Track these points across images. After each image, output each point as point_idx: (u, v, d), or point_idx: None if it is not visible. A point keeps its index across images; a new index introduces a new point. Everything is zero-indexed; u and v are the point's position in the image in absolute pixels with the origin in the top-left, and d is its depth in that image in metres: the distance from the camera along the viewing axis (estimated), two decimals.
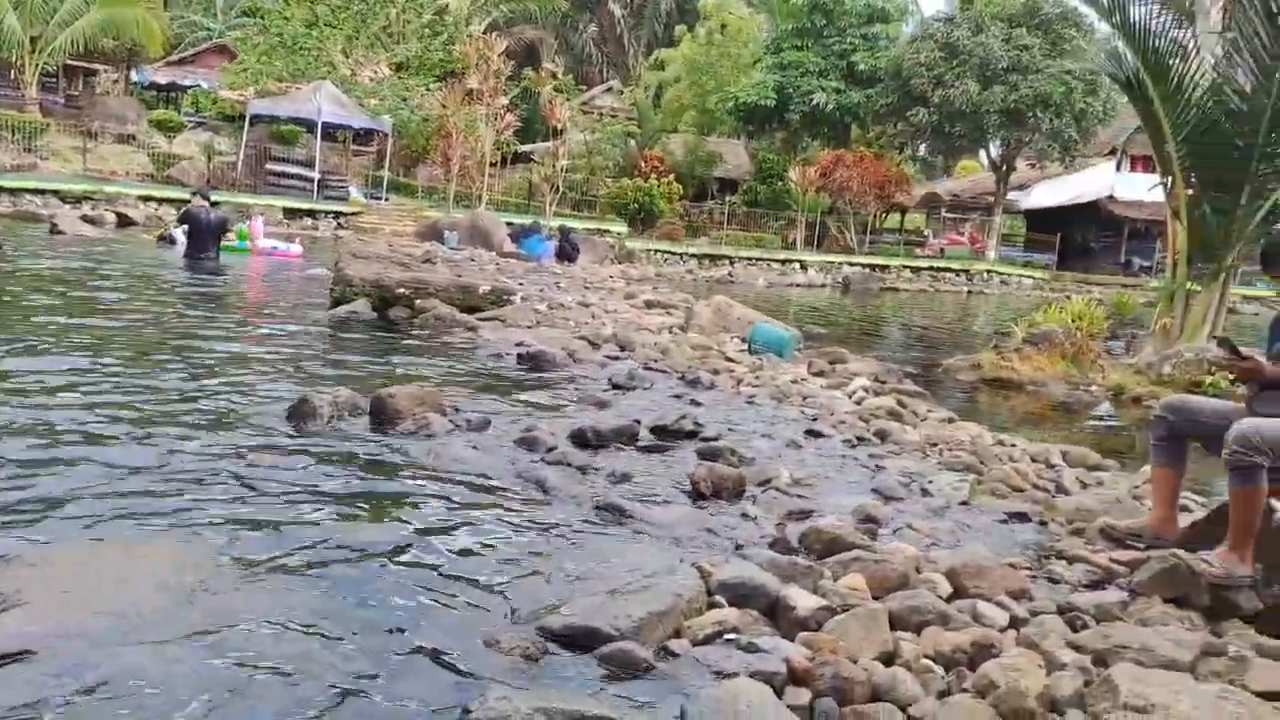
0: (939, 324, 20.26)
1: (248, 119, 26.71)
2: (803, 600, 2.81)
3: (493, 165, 29.50)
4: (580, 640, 2.50)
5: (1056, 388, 10.73)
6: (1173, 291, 12.50)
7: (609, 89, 43.30)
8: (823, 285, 28.20)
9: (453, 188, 26.82)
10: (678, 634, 2.65)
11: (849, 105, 34.43)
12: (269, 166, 26.20)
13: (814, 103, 34.20)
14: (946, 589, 3.21)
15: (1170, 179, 12.35)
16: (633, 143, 36.95)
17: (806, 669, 2.43)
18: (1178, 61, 11.59)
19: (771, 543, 3.50)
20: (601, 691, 2.30)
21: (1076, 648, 2.88)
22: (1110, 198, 36.56)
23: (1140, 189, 29.52)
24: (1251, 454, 3.54)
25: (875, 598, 3.02)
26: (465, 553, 3.06)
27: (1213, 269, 12.11)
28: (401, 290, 8.54)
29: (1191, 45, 11.90)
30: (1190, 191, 12.11)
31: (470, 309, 8.69)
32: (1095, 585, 3.61)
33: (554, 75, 27.96)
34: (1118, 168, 36.85)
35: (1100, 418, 9.36)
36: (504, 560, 3.03)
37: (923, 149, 37.18)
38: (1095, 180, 37.12)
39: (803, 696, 2.36)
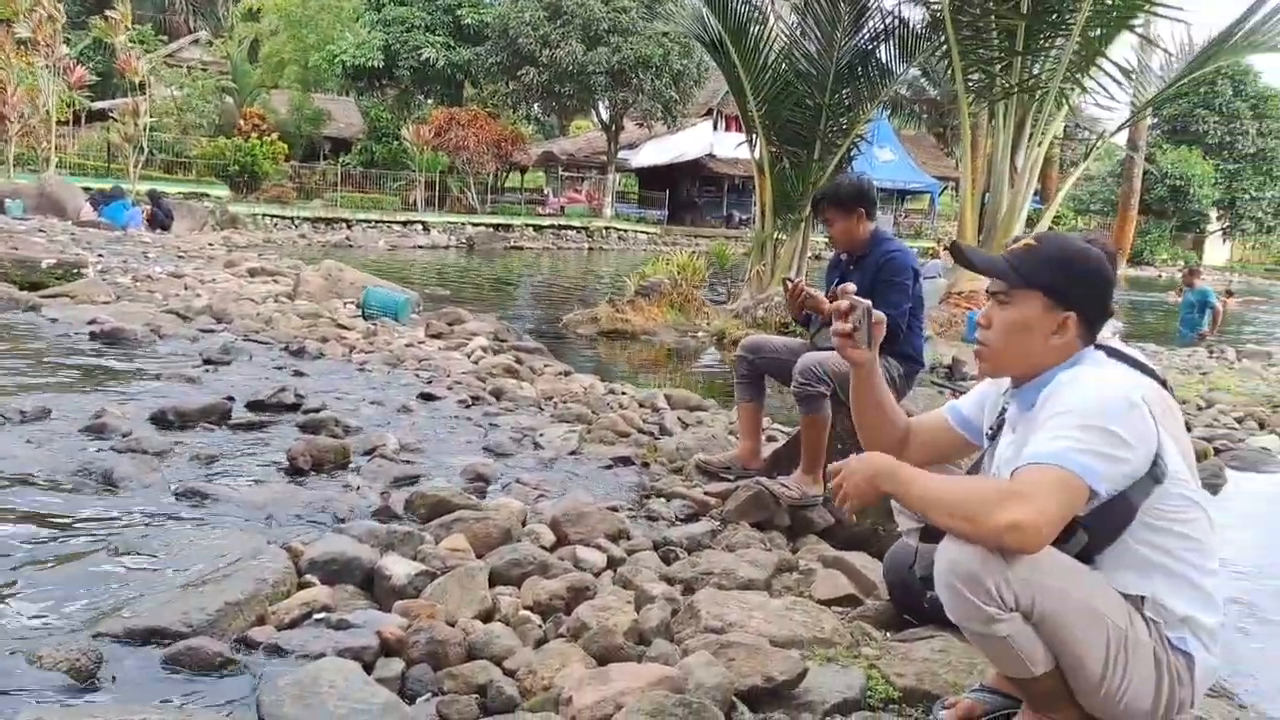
0: (563, 280, 20.81)
1: None
2: (399, 568, 2.72)
3: (63, 124, 26.20)
4: (146, 643, 2.25)
5: (667, 335, 11.38)
6: (763, 241, 13.63)
7: (196, 40, 39.84)
8: (447, 246, 27.94)
9: (11, 149, 23.43)
10: (261, 621, 2.46)
11: (459, 63, 34.21)
12: None
13: (424, 58, 33.60)
14: (550, 538, 3.25)
15: (754, 136, 13.40)
16: (230, 99, 34.36)
17: (399, 638, 2.35)
18: (755, 26, 12.53)
19: (375, 512, 3.37)
20: (167, 698, 2.08)
21: (669, 580, 3.02)
22: (710, 155, 39.34)
23: (735, 147, 31.89)
24: (815, 384, 3.89)
25: (479, 556, 3.00)
26: (7, 563, 2.65)
27: (794, 219, 13.33)
28: None
29: (768, 9, 12.92)
30: (772, 148, 13.23)
31: (33, 286, 7.64)
32: (690, 518, 3.83)
33: (126, 23, 25.04)
34: (715, 127, 39.68)
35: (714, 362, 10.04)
36: (58, 565, 2.66)
37: (536, 108, 37.78)
38: (696, 139, 39.74)
39: (395, 667, 2.28)
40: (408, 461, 4.07)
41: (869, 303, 2.27)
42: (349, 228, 27.83)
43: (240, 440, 4.17)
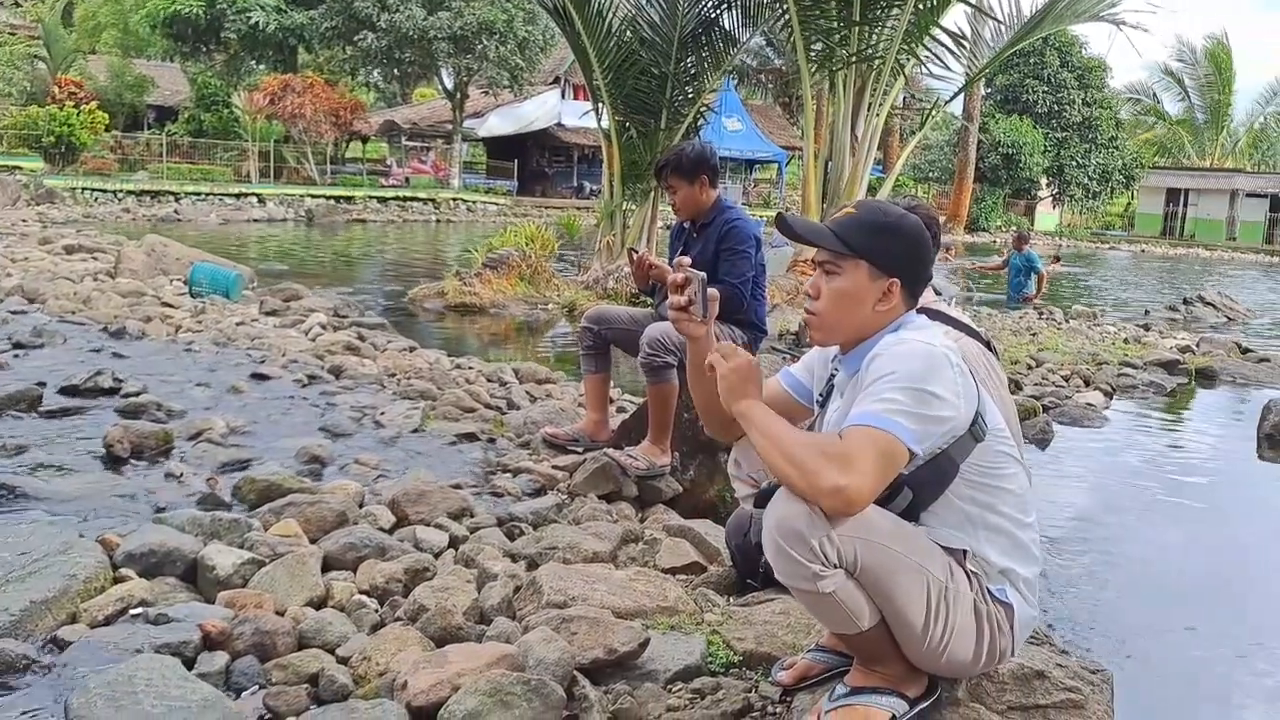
0: (410, 254, 20.32)
1: None
2: (224, 558, 2.59)
3: None
4: None
5: (517, 308, 11.24)
6: (612, 211, 13.61)
7: (2, 3, 37.01)
8: (284, 220, 26.81)
9: None
10: (73, 620, 2.30)
11: (292, 27, 32.78)
12: None
13: (252, 22, 32.10)
14: (389, 519, 3.16)
15: (601, 105, 13.33)
16: (42, 66, 32.05)
17: (223, 630, 2.23)
18: None
19: (200, 500, 3.20)
20: None
21: (513, 556, 2.98)
22: (559, 124, 39.04)
23: (581, 116, 31.74)
24: (662, 354, 3.89)
25: (312, 541, 2.88)
26: None
27: (642, 189, 13.35)
28: None
29: None
30: (618, 117, 13.19)
31: None
32: (537, 493, 3.79)
33: None
34: (563, 96, 39.37)
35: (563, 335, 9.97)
36: None
37: (376, 75, 36.56)
38: (544, 108, 39.35)
39: (219, 661, 2.16)
40: (237, 445, 3.88)
41: (704, 275, 2.26)
42: (177, 201, 26.35)
43: (52, 428, 3.90)
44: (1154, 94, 50.46)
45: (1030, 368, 8.40)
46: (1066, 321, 11.90)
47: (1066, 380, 8.06)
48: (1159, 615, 3.78)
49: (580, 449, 4.26)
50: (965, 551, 2.01)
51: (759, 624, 2.53)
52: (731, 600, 2.81)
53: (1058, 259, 21.98)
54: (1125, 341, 10.32)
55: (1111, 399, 7.78)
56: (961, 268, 18.88)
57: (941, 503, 2.01)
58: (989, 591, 2.00)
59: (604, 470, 3.89)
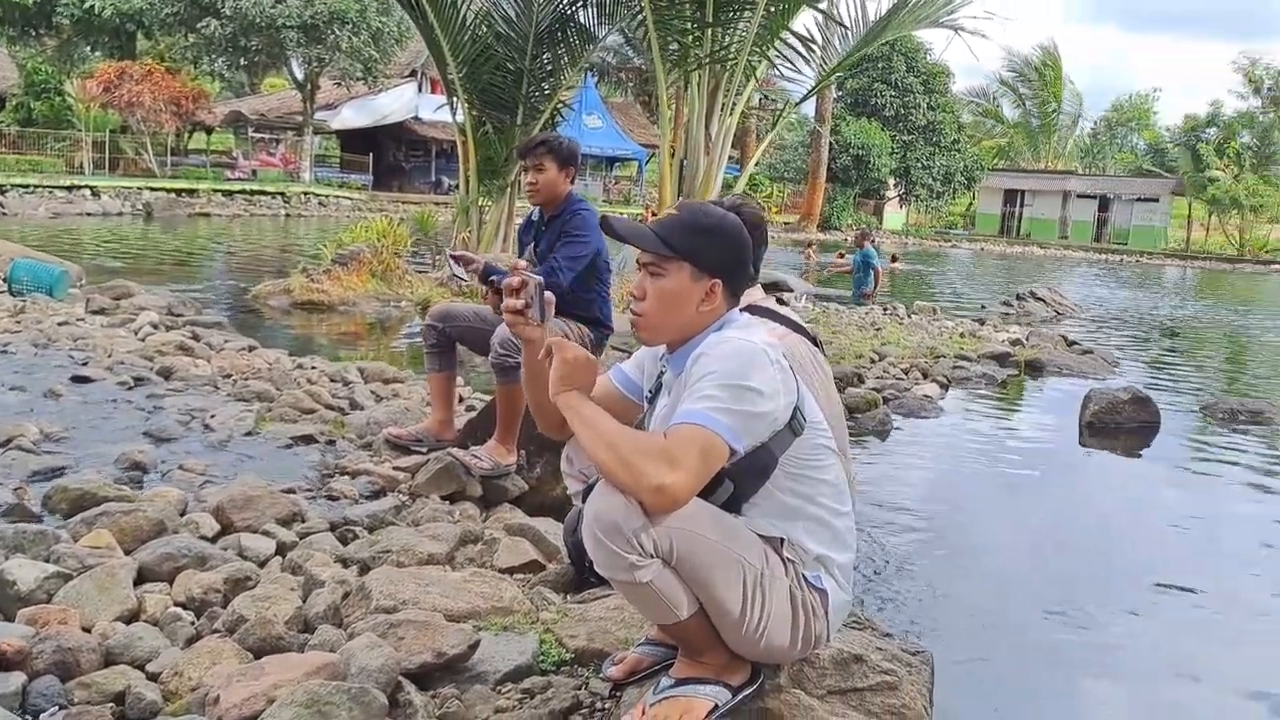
0: (256, 250, 19.60)
1: None
2: (26, 572, 2.43)
3: None
4: None
5: (368, 306, 10.97)
6: (468, 207, 13.45)
7: None
8: (121, 213, 25.44)
9: None
10: None
11: (130, 12, 31.15)
12: None
13: (87, 6, 30.38)
14: (213, 527, 3.03)
15: (456, 100, 13.15)
16: None
17: (20, 649, 2.10)
18: None
19: (5, 511, 3.00)
20: None
21: (345, 561, 2.90)
22: (416, 118, 38.29)
23: (435, 110, 31.19)
24: (514, 354, 3.84)
25: (127, 552, 2.74)
26: None
27: (499, 185, 13.25)
28: None
29: None
30: (474, 112, 13.05)
31: None
32: (375, 495, 3.70)
33: None
34: (420, 89, 38.65)
35: (414, 334, 9.77)
36: None
37: (221, 63, 35.00)
38: (401, 100, 38.56)
39: (14, 682, 2.03)
40: (50, 452, 3.67)
41: (541, 279, 2.25)
42: (2, 194, 24.76)
43: None
44: (993, 99, 53.05)
45: (873, 361, 8.70)
46: (909, 317, 12.36)
47: (906, 373, 8.38)
48: (986, 596, 3.97)
49: (424, 449, 4.18)
50: (782, 540, 2.05)
51: (593, 620, 2.53)
52: (569, 598, 2.81)
53: (896, 258, 22.87)
54: (962, 336, 10.80)
55: (947, 390, 8.14)
56: (814, 270, 19.41)
57: (762, 494, 2.06)
58: (804, 578, 2.06)
59: (447, 470, 3.83)
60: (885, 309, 12.99)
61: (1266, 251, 39.68)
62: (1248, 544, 4.83)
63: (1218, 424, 7.49)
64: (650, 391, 2.29)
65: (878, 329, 10.90)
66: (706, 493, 1.98)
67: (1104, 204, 44.44)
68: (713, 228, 2.11)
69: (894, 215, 45.12)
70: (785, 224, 39.39)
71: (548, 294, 2.17)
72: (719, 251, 2.10)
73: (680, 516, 1.88)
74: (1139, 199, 43.60)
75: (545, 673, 2.33)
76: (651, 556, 1.87)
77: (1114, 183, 46.86)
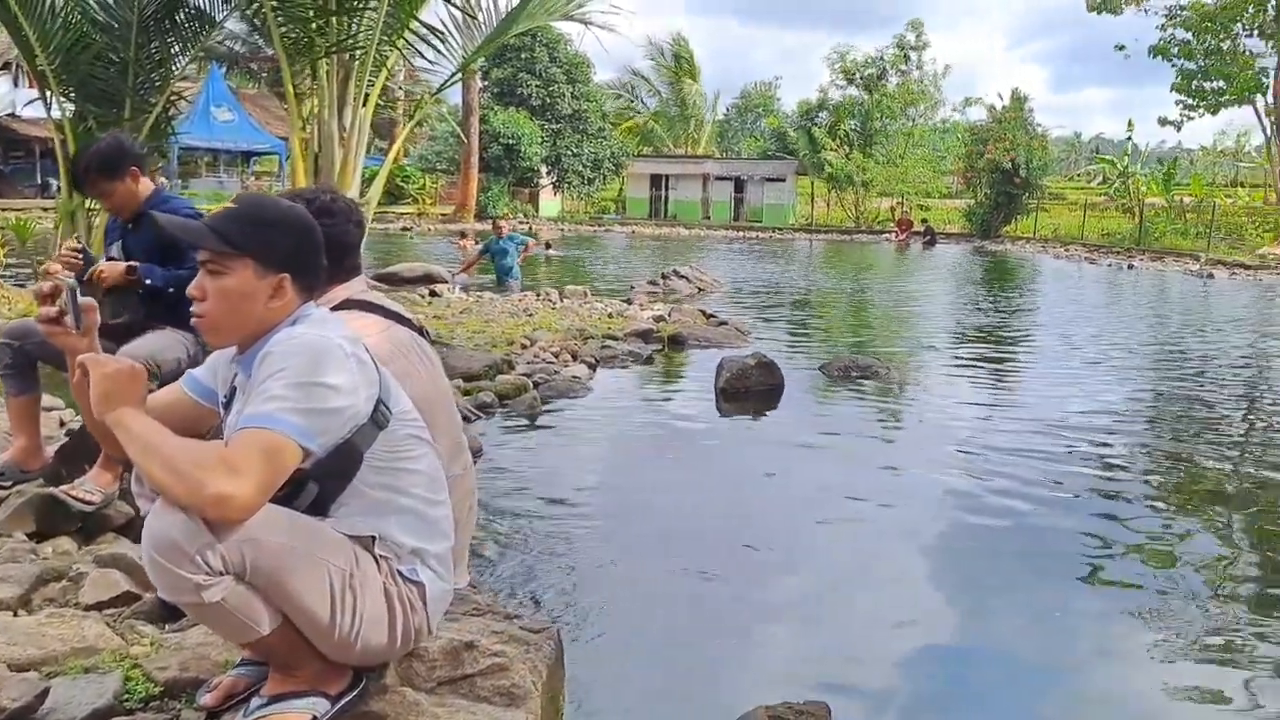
0: None
1: None
2: None
3: None
4: None
5: None
6: (71, 210, 12.14)
7: None
8: None
9: None
10: None
11: None
12: None
13: None
14: None
15: (49, 94, 11.82)
16: None
17: None
18: None
19: None
20: None
21: None
22: (12, 115, 34.08)
23: (26, 105, 28.00)
24: None
25: None
26: None
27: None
28: None
29: None
30: (74, 107, 11.79)
31: None
32: None
33: None
34: (15, 83, 34.45)
35: None
36: None
37: None
38: None
39: None
40: None
41: (74, 283, 2.05)
42: None
43: None
44: (633, 89, 55.54)
45: (524, 347, 8.81)
46: (561, 301, 12.66)
47: (556, 356, 8.56)
48: (626, 566, 4.10)
49: (9, 482, 3.73)
50: (374, 538, 2.00)
51: (190, 648, 2.35)
52: (167, 627, 2.59)
53: (549, 245, 23.49)
54: (610, 316, 11.21)
55: (595, 370, 8.40)
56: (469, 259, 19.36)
57: (350, 492, 1.99)
58: (399, 573, 2.02)
59: (37, 504, 3.43)
60: (538, 295, 13.22)
61: (878, 222, 44.42)
62: (862, 485, 5.37)
63: (834, 381, 8.28)
64: (225, 397, 2.15)
65: (530, 314, 11.06)
66: (289, 498, 1.89)
67: (739, 185, 47.80)
68: (275, 220, 2.01)
69: (549, 202, 46.03)
70: (442, 215, 39.12)
71: (86, 300, 1.98)
72: (285, 245, 2.01)
73: (251, 526, 1.77)
74: (768, 179, 47.27)
75: (131, 711, 2.13)
76: (221, 573, 1.75)
77: (746, 165, 50.47)
